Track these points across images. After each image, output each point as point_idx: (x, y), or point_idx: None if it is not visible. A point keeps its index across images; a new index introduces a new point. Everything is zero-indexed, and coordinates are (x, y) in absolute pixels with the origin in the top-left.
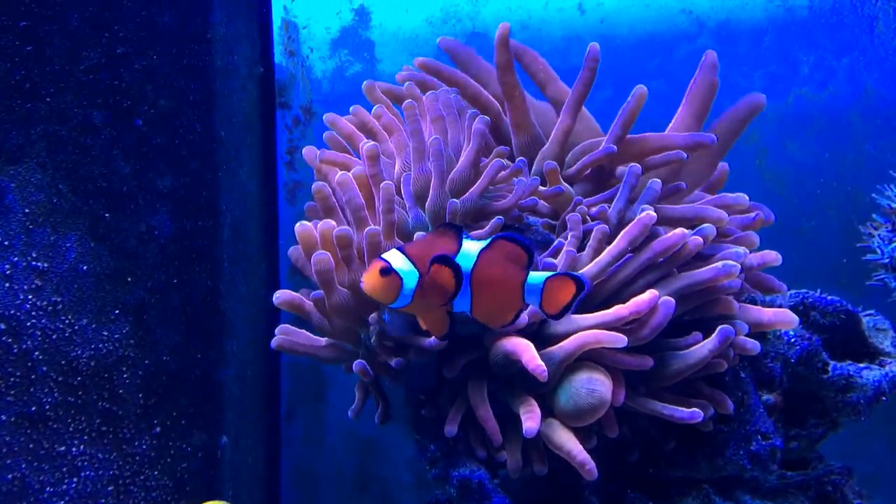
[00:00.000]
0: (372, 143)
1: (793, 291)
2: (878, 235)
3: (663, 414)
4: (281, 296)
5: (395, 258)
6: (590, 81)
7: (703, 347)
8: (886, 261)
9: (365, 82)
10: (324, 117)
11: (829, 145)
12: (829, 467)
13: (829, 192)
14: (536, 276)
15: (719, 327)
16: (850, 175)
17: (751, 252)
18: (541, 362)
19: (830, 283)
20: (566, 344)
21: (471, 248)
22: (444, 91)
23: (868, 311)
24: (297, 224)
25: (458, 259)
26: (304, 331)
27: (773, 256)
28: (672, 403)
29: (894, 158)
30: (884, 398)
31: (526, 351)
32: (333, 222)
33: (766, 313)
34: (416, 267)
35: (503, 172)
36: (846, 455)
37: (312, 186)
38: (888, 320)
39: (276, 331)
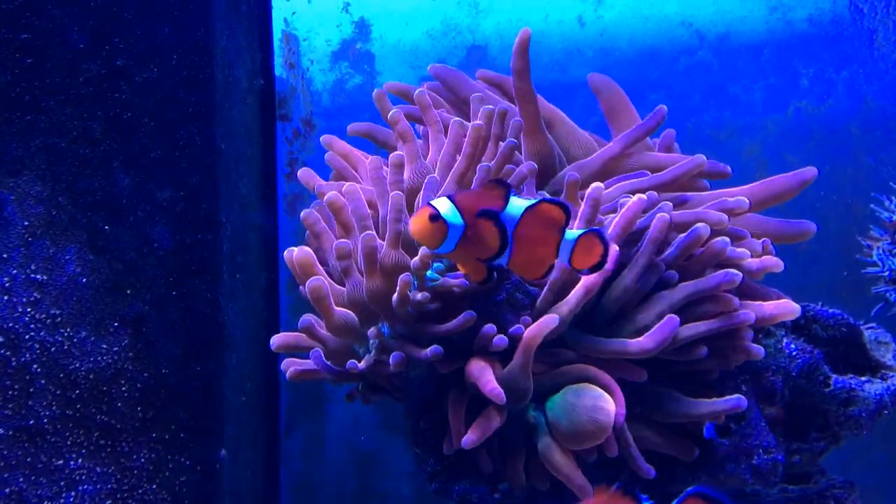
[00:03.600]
0: (398, 152)
1: None
2: (879, 248)
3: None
4: (276, 340)
5: (444, 205)
6: (651, 130)
7: (714, 404)
8: (886, 274)
9: (375, 91)
10: (321, 139)
11: (828, 158)
12: (832, 481)
13: (829, 204)
14: (570, 233)
15: (736, 396)
16: (850, 187)
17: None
18: (496, 385)
19: (831, 295)
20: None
21: (517, 204)
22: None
23: (869, 324)
24: (286, 252)
25: (504, 215)
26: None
27: (773, 262)
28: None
29: (894, 171)
30: (886, 412)
31: (483, 374)
32: (308, 249)
33: (767, 307)
34: (462, 217)
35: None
36: (848, 468)
37: (301, 214)
38: (889, 333)
39: (284, 363)
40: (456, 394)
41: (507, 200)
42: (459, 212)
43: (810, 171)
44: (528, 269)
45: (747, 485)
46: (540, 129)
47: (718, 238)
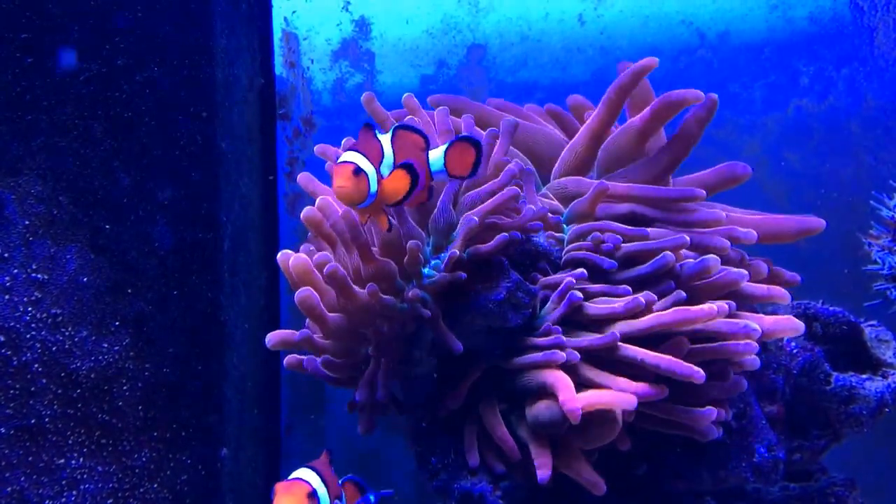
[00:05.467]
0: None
1: (794, 302)
2: (879, 246)
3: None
4: (273, 338)
5: (359, 159)
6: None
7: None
8: (886, 271)
9: (364, 94)
10: (315, 149)
11: (829, 156)
12: (832, 479)
13: (830, 202)
14: (436, 153)
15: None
16: (851, 185)
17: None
18: (578, 405)
19: (831, 293)
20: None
21: (384, 141)
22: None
23: (870, 322)
24: (279, 254)
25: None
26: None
27: (780, 293)
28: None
29: (894, 169)
30: (887, 409)
31: (566, 389)
32: (305, 256)
33: (765, 321)
34: (373, 165)
35: (514, 202)
36: (849, 466)
37: (302, 214)
38: (890, 331)
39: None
40: (487, 406)
41: (380, 141)
42: (370, 161)
43: (817, 222)
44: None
45: (748, 483)
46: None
47: (735, 270)
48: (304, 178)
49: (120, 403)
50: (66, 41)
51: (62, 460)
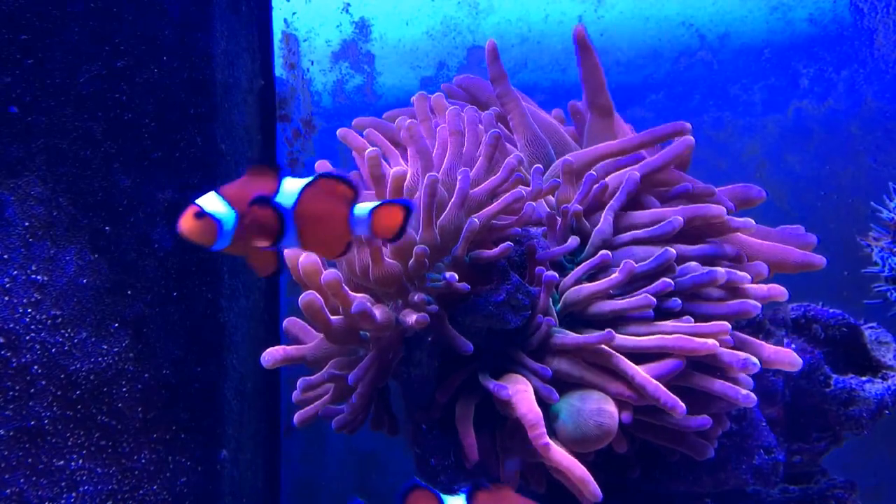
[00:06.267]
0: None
1: (794, 304)
2: (879, 247)
3: (645, 389)
4: (269, 356)
5: (210, 201)
6: (658, 140)
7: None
8: (886, 272)
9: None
10: (337, 133)
11: (828, 158)
12: (833, 481)
13: (830, 204)
14: (362, 208)
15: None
16: (851, 187)
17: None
18: (547, 441)
19: (831, 295)
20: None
21: (292, 186)
22: (471, 109)
23: (870, 324)
24: (285, 252)
25: (278, 198)
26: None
27: (779, 291)
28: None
29: (894, 171)
30: (887, 411)
31: (534, 426)
32: (316, 256)
33: (766, 351)
34: (233, 208)
35: (517, 203)
36: (849, 469)
37: None
38: (890, 333)
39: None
40: (462, 406)
41: (279, 183)
42: (229, 203)
43: (818, 259)
44: (324, 247)
45: (748, 485)
46: (528, 125)
47: (738, 272)
48: (322, 167)
49: (119, 405)
50: (66, 43)
51: (62, 462)
